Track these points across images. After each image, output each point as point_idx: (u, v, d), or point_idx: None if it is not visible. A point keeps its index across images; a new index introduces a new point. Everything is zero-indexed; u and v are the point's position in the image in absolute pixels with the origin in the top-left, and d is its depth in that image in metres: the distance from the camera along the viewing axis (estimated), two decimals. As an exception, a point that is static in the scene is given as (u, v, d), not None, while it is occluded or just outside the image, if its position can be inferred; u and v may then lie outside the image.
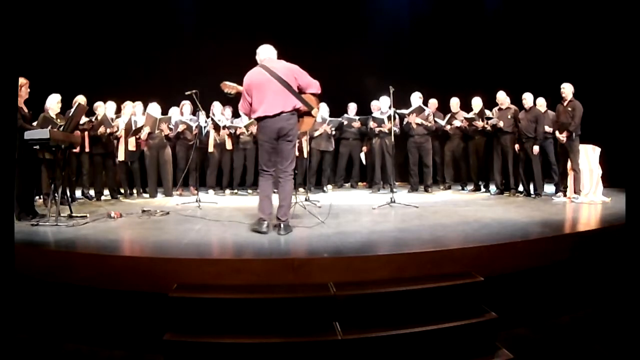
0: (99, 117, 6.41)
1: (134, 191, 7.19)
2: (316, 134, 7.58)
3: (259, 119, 3.92)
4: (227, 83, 4.17)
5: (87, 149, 6.41)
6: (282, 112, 3.81)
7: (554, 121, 6.43)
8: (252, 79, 3.89)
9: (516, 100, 6.74)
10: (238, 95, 4.10)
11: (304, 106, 3.95)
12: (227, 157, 7.44)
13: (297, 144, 4.03)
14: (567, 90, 6.20)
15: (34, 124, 5.04)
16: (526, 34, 8.61)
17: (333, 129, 7.80)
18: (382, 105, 7.43)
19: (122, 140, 6.70)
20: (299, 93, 3.92)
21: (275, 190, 4.02)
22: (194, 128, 7.08)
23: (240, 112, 3.92)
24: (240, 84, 4.01)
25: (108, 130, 6.49)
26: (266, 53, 4.00)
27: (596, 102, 6.99)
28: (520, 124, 6.54)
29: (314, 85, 4.02)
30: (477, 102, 7.29)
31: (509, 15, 9.04)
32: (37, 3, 7.51)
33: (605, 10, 7.20)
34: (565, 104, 6.23)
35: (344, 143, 8.30)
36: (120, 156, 6.72)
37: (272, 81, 3.81)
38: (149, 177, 6.98)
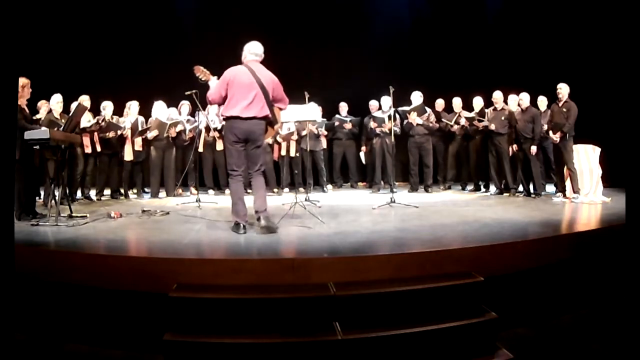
0: (106, 119, 6.41)
1: (135, 191, 7.18)
2: (302, 133, 7.57)
3: (229, 118, 3.93)
4: (201, 68, 4.23)
5: (99, 149, 6.42)
6: (254, 117, 3.86)
7: (548, 121, 6.41)
8: (236, 76, 3.90)
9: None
10: (207, 83, 4.17)
11: (271, 117, 4.02)
12: (220, 157, 7.41)
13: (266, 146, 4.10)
14: (564, 90, 6.16)
15: (34, 124, 5.05)
16: (527, 33, 8.60)
17: (320, 128, 7.81)
18: (383, 105, 7.43)
19: (128, 140, 6.71)
20: (271, 104, 3.99)
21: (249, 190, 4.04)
22: (188, 130, 7.06)
23: (208, 100, 3.98)
24: None
25: (119, 133, 6.52)
26: (251, 54, 4.00)
27: (596, 102, 7.00)
28: (517, 125, 6.51)
29: (284, 101, 4.13)
30: (478, 102, 7.29)
31: (510, 15, 9.03)
32: (37, 3, 7.51)
33: (607, 9, 7.20)
34: (560, 104, 6.21)
35: (337, 143, 8.32)
36: (127, 156, 6.72)
37: (255, 85, 3.86)
38: (152, 177, 6.96)
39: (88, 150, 6.20)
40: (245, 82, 3.86)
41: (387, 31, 9.53)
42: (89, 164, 6.47)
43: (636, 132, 3.13)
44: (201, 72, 4.24)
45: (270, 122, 4.08)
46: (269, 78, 3.96)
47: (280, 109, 4.19)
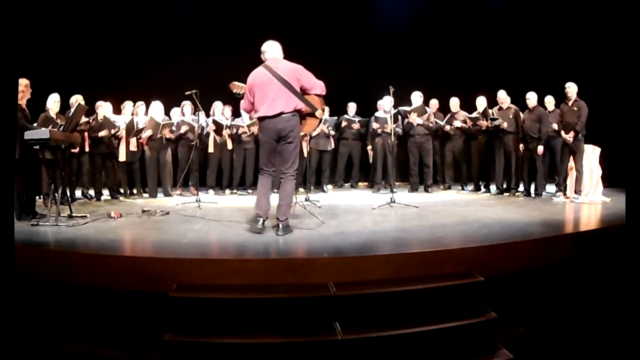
0: (99, 118, 6.41)
1: (134, 191, 7.19)
2: (314, 133, 7.57)
3: (260, 119, 3.92)
4: (236, 83, 4.16)
5: (87, 149, 6.41)
6: (282, 113, 3.79)
7: (558, 121, 6.37)
8: (255, 79, 3.89)
9: (518, 99, 6.72)
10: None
11: (306, 107, 3.93)
12: (227, 157, 7.44)
13: (299, 145, 4.01)
14: (572, 89, 6.13)
15: (35, 124, 5.05)
16: (527, 33, 8.61)
17: (330, 128, 7.81)
18: (385, 105, 7.42)
19: (123, 141, 6.71)
20: (303, 94, 3.91)
21: (275, 190, 4.01)
22: (196, 128, 7.06)
23: (242, 111, 3.97)
24: (244, 83, 4.01)
25: (112, 131, 6.51)
26: (271, 52, 3.96)
27: (596, 102, 6.99)
28: (524, 124, 6.50)
29: (318, 86, 3.98)
30: (481, 102, 7.24)
31: (510, 14, 9.04)
32: (37, 3, 7.51)
33: (605, 9, 7.20)
34: (570, 103, 6.18)
35: (344, 143, 8.31)
36: (122, 156, 6.72)
37: (274, 81, 3.80)
38: (149, 177, 6.98)
39: (75, 150, 6.18)
40: (264, 81, 3.82)
41: (387, 31, 9.53)
42: (84, 164, 6.47)
43: (636, 132, 3.13)
44: (237, 87, 4.16)
45: (307, 113, 3.97)
46: (289, 69, 3.86)
47: (318, 95, 4.03)
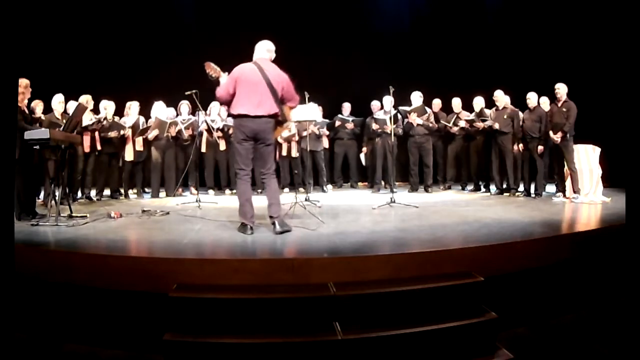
0: (108, 117, 6.41)
1: (135, 191, 7.19)
2: (304, 134, 7.57)
3: (237, 116, 3.89)
4: (212, 65, 4.16)
5: (99, 148, 6.40)
6: (263, 115, 3.82)
7: (547, 121, 6.39)
8: (243, 74, 3.87)
9: (517, 99, 6.72)
10: (217, 80, 4.08)
11: (281, 115, 3.97)
12: (222, 158, 7.43)
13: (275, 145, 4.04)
14: (562, 90, 6.15)
15: (37, 125, 5.06)
16: (527, 32, 8.60)
17: (321, 129, 7.82)
18: (385, 105, 7.41)
19: (129, 140, 6.71)
20: (281, 102, 3.95)
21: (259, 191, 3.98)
22: (184, 128, 7.03)
23: (217, 97, 4.00)
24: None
25: (121, 133, 6.52)
26: (261, 52, 3.99)
27: (596, 102, 6.99)
28: (524, 124, 6.50)
29: (295, 100, 4.07)
30: (478, 102, 7.25)
31: (510, 14, 9.04)
32: (37, 3, 7.51)
33: (608, 9, 7.19)
34: (559, 104, 6.20)
35: (339, 143, 8.32)
36: (128, 156, 6.72)
37: (262, 83, 3.82)
38: (152, 177, 6.97)
39: (87, 150, 6.19)
40: (253, 80, 3.83)
41: (387, 31, 9.53)
42: (89, 164, 6.46)
43: (636, 132, 3.14)
44: (211, 68, 4.15)
45: (278, 120, 4.01)
46: (278, 76, 3.90)
47: (291, 108, 4.11)
